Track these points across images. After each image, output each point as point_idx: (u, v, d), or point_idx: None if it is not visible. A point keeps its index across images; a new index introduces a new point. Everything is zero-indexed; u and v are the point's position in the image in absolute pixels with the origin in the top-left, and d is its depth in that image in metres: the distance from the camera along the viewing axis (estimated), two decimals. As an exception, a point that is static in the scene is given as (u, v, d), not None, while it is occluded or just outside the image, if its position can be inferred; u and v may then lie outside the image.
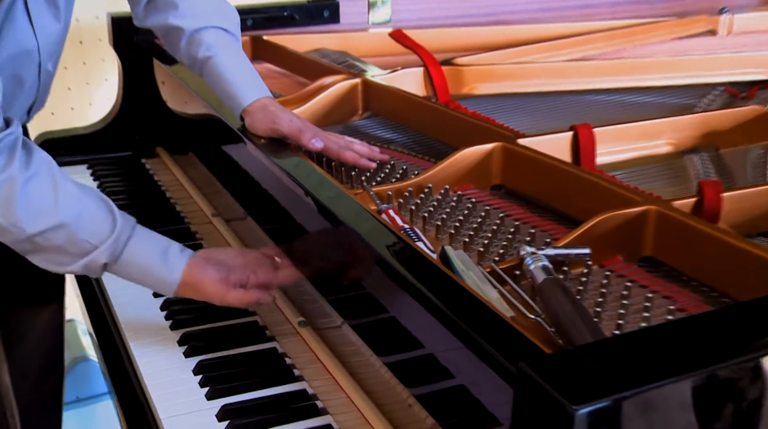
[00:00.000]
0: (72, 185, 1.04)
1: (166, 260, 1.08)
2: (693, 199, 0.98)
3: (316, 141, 1.20)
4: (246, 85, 1.27)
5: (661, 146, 1.27)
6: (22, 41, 1.13)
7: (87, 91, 2.38)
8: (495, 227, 1.02)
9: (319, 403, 1.03)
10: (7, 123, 1.00)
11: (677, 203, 0.96)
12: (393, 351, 1.02)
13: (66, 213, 1.01)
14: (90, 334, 1.41)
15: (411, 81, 1.56)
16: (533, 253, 0.88)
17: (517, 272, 0.89)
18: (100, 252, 1.04)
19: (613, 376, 0.54)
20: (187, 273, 1.09)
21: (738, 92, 1.50)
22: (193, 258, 1.10)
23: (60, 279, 1.39)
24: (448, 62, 1.61)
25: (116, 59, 1.89)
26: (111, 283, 1.35)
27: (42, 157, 1.03)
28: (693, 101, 1.48)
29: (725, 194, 0.97)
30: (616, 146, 1.25)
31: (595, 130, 1.21)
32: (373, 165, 1.22)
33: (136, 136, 1.90)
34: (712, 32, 1.93)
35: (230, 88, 1.27)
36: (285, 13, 1.94)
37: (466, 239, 0.99)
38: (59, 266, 1.05)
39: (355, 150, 1.23)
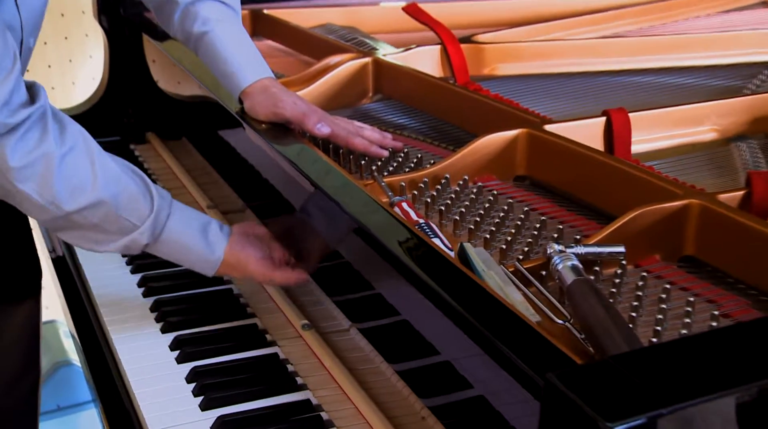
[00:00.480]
0: (110, 160, 1.08)
1: (206, 238, 1.12)
2: (741, 192, 0.97)
3: (322, 126, 1.20)
4: (245, 64, 1.27)
5: (705, 133, 1.26)
6: (5, 17, 1.13)
7: (69, 69, 2.39)
8: (519, 222, 1.02)
9: (324, 415, 1.03)
10: (32, 97, 1.02)
11: (723, 196, 0.95)
12: (405, 358, 1.02)
13: (105, 190, 1.05)
14: (72, 336, 1.41)
15: (427, 60, 1.55)
16: (561, 252, 0.88)
17: (544, 272, 0.89)
18: (141, 232, 1.08)
19: (651, 390, 0.53)
20: (229, 252, 1.13)
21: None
22: (233, 235, 1.14)
23: (37, 273, 1.40)
24: (467, 40, 1.60)
25: (101, 34, 1.89)
26: (95, 281, 1.36)
27: (76, 129, 1.06)
28: (740, 83, 1.47)
29: (777, 187, 0.97)
30: (653, 133, 1.24)
31: (631, 115, 1.20)
32: (385, 153, 1.22)
33: (124, 119, 1.91)
34: (765, 4, 1.91)
35: (228, 67, 1.26)
36: (288, -15, 1.94)
37: (487, 235, 0.99)
38: (95, 245, 1.09)
39: (365, 136, 1.23)
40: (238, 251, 1.14)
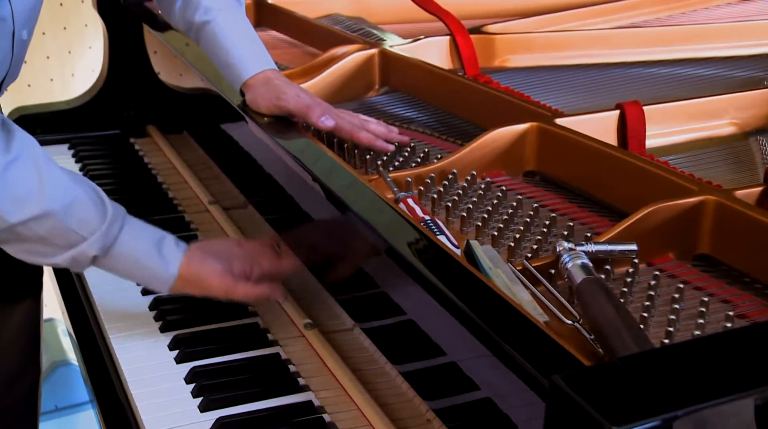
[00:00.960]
0: (58, 170, 1.06)
1: (161, 253, 1.10)
2: (759, 188, 0.97)
3: (326, 119, 1.20)
4: (247, 55, 1.27)
5: (723, 127, 1.26)
6: None
7: (68, 61, 2.40)
8: (528, 219, 1.02)
9: (327, 417, 1.03)
10: None
11: (740, 193, 0.95)
12: (410, 358, 1.02)
13: (52, 201, 1.02)
14: (70, 335, 1.42)
15: (435, 52, 1.55)
16: (571, 250, 0.87)
17: (553, 271, 0.89)
18: (90, 244, 1.05)
19: (660, 393, 0.53)
20: (186, 266, 1.10)
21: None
22: (190, 250, 1.12)
23: (38, 271, 1.40)
24: (477, 30, 1.60)
25: (101, 24, 1.90)
26: (93, 278, 1.36)
27: (23, 137, 1.04)
28: (761, 74, 1.46)
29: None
30: (669, 127, 1.23)
31: (645, 108, 1.20)
32: (391, 147, 1.22)
33: (123, 112, 1.91)
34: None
35: (229, 57, 1.26)
36: (292, -27, 1.94)
37: (495, 233, 0.99)
38: (41, 258, 1.07)
39: (371, 130, 1.23)
40: (196, 266, 1.11)
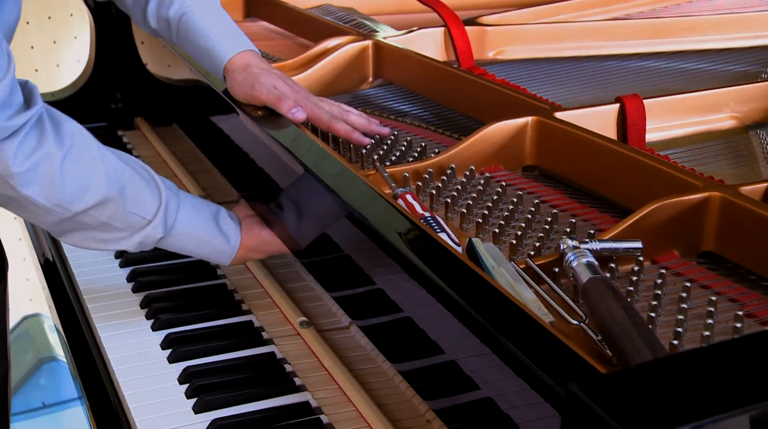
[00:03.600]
0: (110, 154, 1.07)
1: (220, 228, 1.13)
2: (765, 184, 0.95)
3: (297, 111, 1.17)
4: (225, 37, 1.24)
5: (723, 120, 1.25)
6: None
7: (53, 51, 2.36)
8: (529, 216, 1.00)
9: (324, 418, 1.02)
10: (27, 98, 1.00)
11: (745, 189, 0.93)
12: (409, 357, 1.01)
13: (111, 186, 1.04)
14: (57, 331, 1.39)
15: (429, 43, 1.53)
16: (575, 248, 0.86)
17: (557, 269, 0.87)
18: (155, 226, 1.08)
19: (682, 402, 0.52)
20: (248, 236, 1.16)
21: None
22: (243, 220, 1.17)
23: (2, 257, 1.36)
24: (472, 21, 1.58)
25: (87, 14, 1.87)
26: (82, 276, 1.34)
27: (72, 126, 1.04)
28: (757, 68, 1.45)
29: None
30: (669, 121, 1.22)
31: (645, 101, 1.19)
32: (368, 141, 1.20)
33: (111, 104, 1.89)
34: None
35: (208, 42, 1.24)
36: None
37: (496, 229, 0.97)
38: (102, 244, 1.08)
39: (350, 121, 1.21)
40: (258, 232, 1.16)
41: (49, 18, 2.33)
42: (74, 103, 1.87)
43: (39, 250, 1.52)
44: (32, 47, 2.34)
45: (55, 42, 2.35)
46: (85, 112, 1.87)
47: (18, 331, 2.30)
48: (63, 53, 2.36)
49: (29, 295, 2.36)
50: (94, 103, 1.87)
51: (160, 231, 1.08)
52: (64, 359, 2.11)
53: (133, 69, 1.84)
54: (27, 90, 1.01)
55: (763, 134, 1.22)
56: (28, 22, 2.29)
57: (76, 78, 1.90)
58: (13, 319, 2.40)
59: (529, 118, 1.14)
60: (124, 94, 1.88)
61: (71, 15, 2.33)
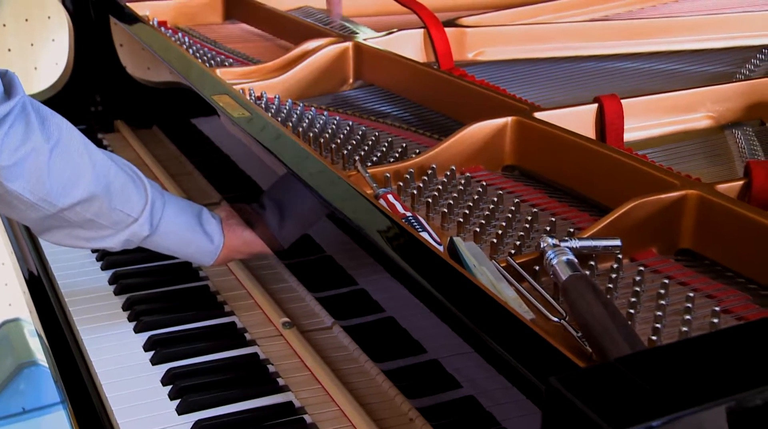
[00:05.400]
0: (97, 151, 1.06)
1: (203, 227, 1.13)
2: (740, 182, 0.97)
3: None
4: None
5: (699, 120, 1.26)
6: None
7: (30, 53, 2.34)
8: (509, 215, 1.01)
9: (308, 418, 1.02)
10: (7, 87, 0.99)
11: (721, 187, 0.95)
12: (391, 356, 1.01)
13: (97, 183, 1.03)
14: (39, 336, 1.39)
15: (409, 45, 1.54)
16: (555, 246, 0.87)
17: (537, 267, 0.88)
18: (141, 224, 1.07)
19: (661, 394, 0.53)
20: (231, 235, 1.15)
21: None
22: (225, 220, 1.17)
23: None
24: (451, 23, 1.59)
25: (65, 16, 1.86)
26: (63, 279, 1.33)
27: (60, 121, 1.03)
28: (733, 68, 1.47)
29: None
30: (646, 120, 1.24)
31: (623, 101, 1.20)
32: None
33: (90, 106, 1.88)
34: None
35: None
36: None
37: (477, 229, 0.98)
38: (86, 242, 1.07)
39: None
40: (240, 233, 1.16)
41: (27, 20, 2.31)
42: (53, 105, 1.83)
43: (19, 254, 1.51)
44: (9, 50, 2.32)
45: (32, 44, 2.33)
46: (64, 115, 1.83)
47: (-3, 336, 2.28)
48: (41, 56, 2.35)
49: (8, 300, 2.34)
50: (73, 106, 1.86)
51: (146, 229, 1.08)
52: (45, 364, 2.09)
53: (113, 71, 1.84)
54: (6, 80, 0.99)
55: (738, 133, 1.24)
56: (5, 25, 2.28)
57: (55, 81, 1.89)
58: (-8, 324, 2.38)
59: (509, 119, 1.15)
60: (103, 97, 1.88)
61: (49, 17, 2.31)
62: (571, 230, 0.97)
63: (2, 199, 1.00)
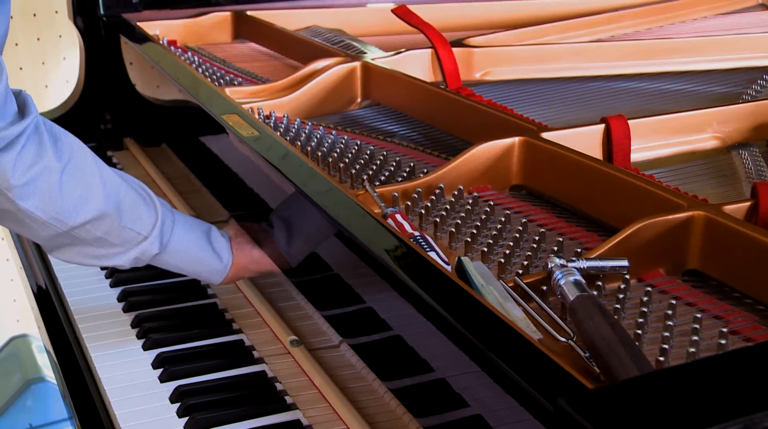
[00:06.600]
0: (108, 169, 1.07)
1: (212, 246, 1.14)
2: (747, 203, 0.97)
3: None
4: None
5: (706, 141, 1.27)
6: None
7: (42, 72, 2.36)
8: (517, 235, 1.01)
9: (315, 436, 1.02)
10: (22, 107, 1.00)
11: (728, 208, 0.95)
12: (399, 375, 1.01)
13: (107, 201, 1.04)
14: (47, 352, 1.39)
15: (417, 64, 1.55)
16: (563, 266, 0.87)
17: (545, 287, 0.88)
18: (151, 242, 1.08)
19: (670, 416, 0.53)
20: (239, 254, 1.16)
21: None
22: (234, 238, 1.17)
23: None
24: (459, 43, 1.60)
25: (76, 35, 1.87)
26: (73, 296, 1.34)
27: (72, 140, 1.04)
28: (739, 89, 1.47)
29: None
30: (653, 141, 1.24)
31: (630, 122, 1.20)
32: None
33: (100, 124, 1.89)
34: (764, 6, 1.92)
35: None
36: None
37: (485, 248, 0.98)
38: (95, 260, 1.08)
39: None
40: (248, 251, 1.17)
41: (38, 39, 2.33)
42: (63, 123, 1.84)
43: (28, 270, 1.52)
44: (21, 68, 2.34)
45: (44, 63, 2.35)
46: (74, 133, 1.85)
47: (5, 352, 2.29)
48: (52, 74, 2.37)
49: (17, 315, 2.34)
50: (83, 124, 1.88)
51: (156, 247, 1.09)
52: (53, 380, 2.10)
53: (122, 89, 1.85)
54: (21, 100, 1.01)
55: (745, 154, 1.24)
56: (17, 44, 2.30)
57: (66, 99, 1.90)
58: (0, 340, 2.38)
59: (516, 139, 1.16)
60: (113, 115, 1.89)
61: (60, 36, 2.33)
62: (579, 250, 0.97)
63: (14, 218, 1.01)
